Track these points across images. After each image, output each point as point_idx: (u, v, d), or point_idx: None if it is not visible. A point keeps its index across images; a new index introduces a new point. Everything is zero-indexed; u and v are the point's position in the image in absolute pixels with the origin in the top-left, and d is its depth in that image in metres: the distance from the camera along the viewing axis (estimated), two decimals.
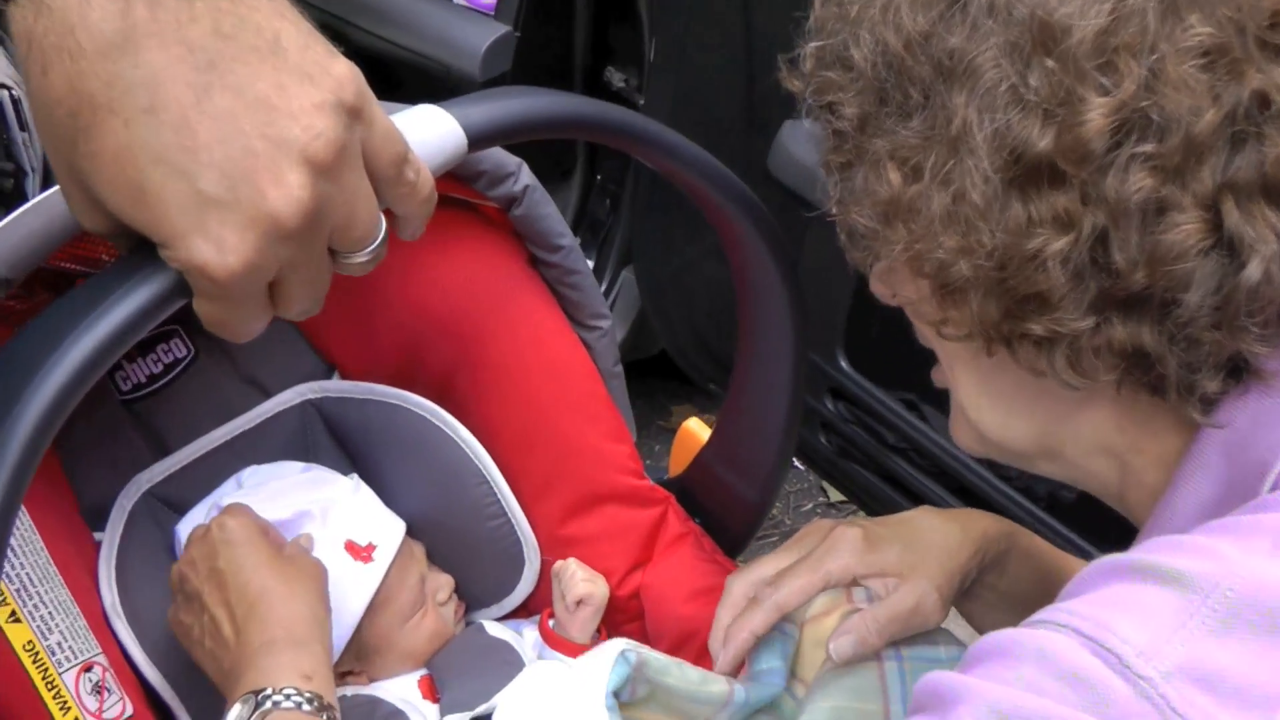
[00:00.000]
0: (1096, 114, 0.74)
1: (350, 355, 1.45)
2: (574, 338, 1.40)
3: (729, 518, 1.42)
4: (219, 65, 0.72)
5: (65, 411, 0.77)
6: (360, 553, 1.34)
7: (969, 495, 1.94)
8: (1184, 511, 0.83)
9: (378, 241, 0.82)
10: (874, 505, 2.14)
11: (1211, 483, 0.82)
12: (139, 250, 0.78)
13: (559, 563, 1.38)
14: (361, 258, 0.82)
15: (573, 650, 1.37)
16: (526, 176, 1.31)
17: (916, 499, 1.97)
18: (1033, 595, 1.15)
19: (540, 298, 1.39)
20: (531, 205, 1.32)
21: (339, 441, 1.45)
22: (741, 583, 1.16)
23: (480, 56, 2.21)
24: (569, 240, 1.36)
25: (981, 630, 1.18)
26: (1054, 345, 0.80)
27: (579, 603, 1.35)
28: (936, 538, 1.13)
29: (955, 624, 1.19)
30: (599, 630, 1.39)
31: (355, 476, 1.41)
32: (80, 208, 0.78)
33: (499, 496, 1.39)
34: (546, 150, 2.34)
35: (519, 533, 1.40)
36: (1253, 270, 0.75)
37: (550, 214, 1.34)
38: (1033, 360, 0.83)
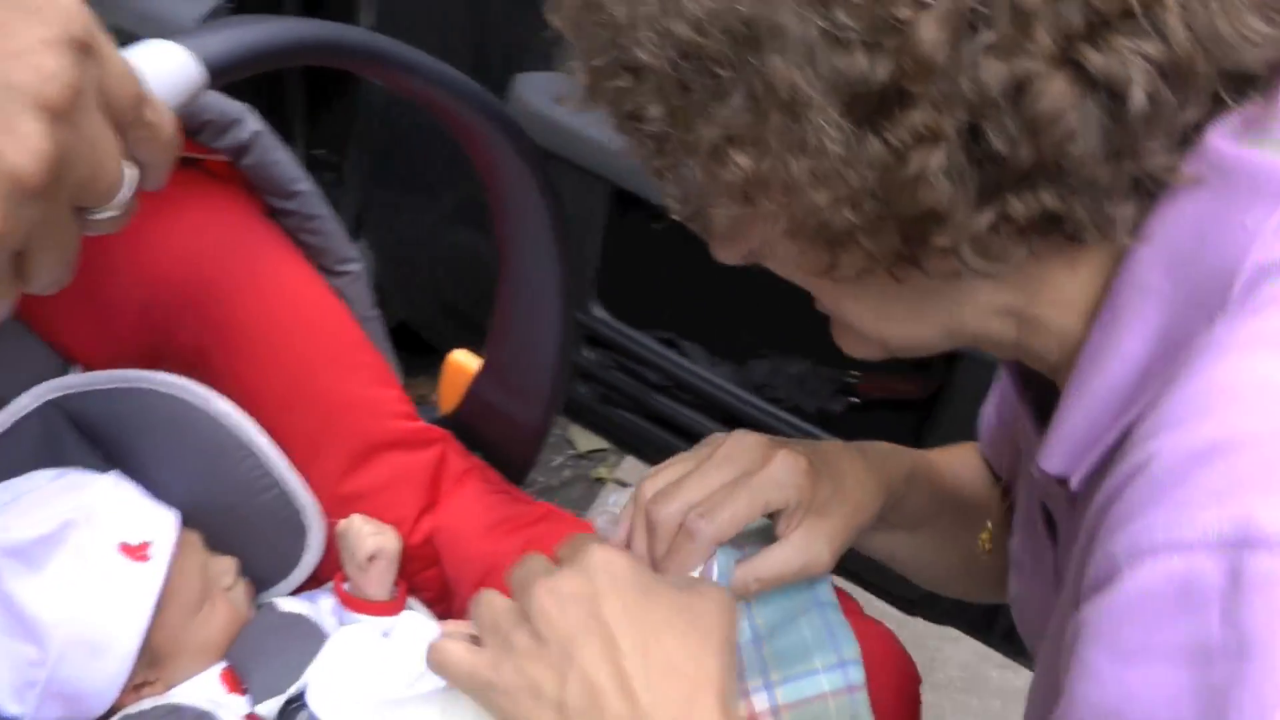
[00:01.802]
0: (929, 29, 0.72)
1: (89, 345, 1.36)
2: (324, 286, 1.34)
3: (510, 446, 1.39)
4: None
5: None
6: (135, 552, 1.26)
7: (736, 422, 1.95)
8: (1128, 352, 0.80)
9: (126, 192, 0.74)
10: (642, 448, 2.14)
11: (1157, 310, 0.79)
12: None
13: (342, 522, 1.33)
14: (111, 212, 0.74)
15: (373, 609, 1.33)
16: (254, 122, 1.25)
17: (686, 434, 1.98)
18: (923, 515, 1.14)
19: (283, 249, 1.33)
20: (262, 152, 1.26)
21: (91, 440, 1.36)
22: (667, 506, 0.99)
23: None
24: (305, 184, 1.30)
25: (867, 550, 1.15)
26: (959, 247, 0.78)
27: (371, 558, 1.31)
28: (853, 486, 1.04)
29: None
30: (396, 583, 1.35)
31: (115, 473, 1.32)
32: None
33: (269, 466, 1.33)
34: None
35: (296, 500, 1.35)
36: (1136, 99, 0.73)
37: (282, 159, 1.28)
38: (943, 267, 0.80)
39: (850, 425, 1.85)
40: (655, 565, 0.99)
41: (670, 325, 2.01)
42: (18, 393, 1.35)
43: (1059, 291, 0.84)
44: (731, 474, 1.00)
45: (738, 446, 1.02)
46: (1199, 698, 0.65)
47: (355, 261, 1.36)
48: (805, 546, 1.01)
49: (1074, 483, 0.84)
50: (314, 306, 1.34)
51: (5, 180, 0.63)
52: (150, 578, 1.25)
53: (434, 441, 1.39)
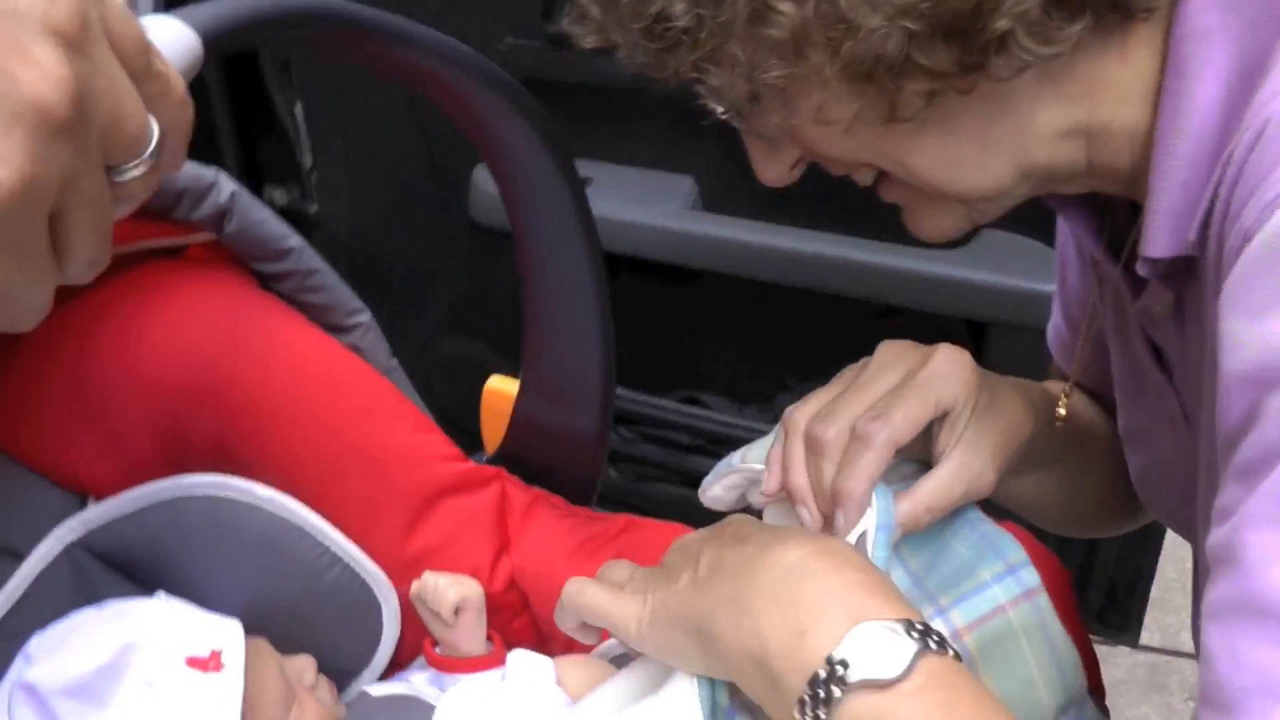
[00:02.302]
0: None
1: (101, 472, 1.26)
2: (337, 345, 1.26)
3: (570, 464, 1.30)
4: None
5: None
6: (206, 664, 1.15)
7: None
8: (1205, 99, 0.77)
9: (153, 144, 0.67)
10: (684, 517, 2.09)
11: (1223, 48, 0.76)
12: None
13: (415, 583, 1.23)
14: (139, 169, 0.67)
15: (473, 665, 1.23)
16: (229, 183, 1.18)
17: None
18: (1058, 448, 1.07)
19: (287, 317, 1.25)
20: (243, 213, 1.19)
21: (125, 573, 1.25)
22: (832, 424, 0.91)
23: None
24: (295, 239, 1.24)
25: (1005, 500, 1.08)
26: (1016, 36, 0.76)
27: (457, 611, 1.21)
28: (1007, 402, 0.97)
29: None
30: (489, 637, 1.25)
31: (161, 593, 1.21)
32: None
33: (326, 543, 1.23)
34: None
35: (363, 573, 1.25)
36: None
37: (266, 218, 1.21)
38: (1007, 66, 0.78)
39: None
40: (823, 496, 0.91)
41: (689, 384, 1.99)
42: (36, 542, 1.24)
43: (1118, 87, 0.82)
44: (893, 380, 0.93)
45: (890, 353, 0.96)
46: None
47: (363, 312, 1.28)
48: (969, 463, 0.93)
49: (1191, 241, 0.80)
50: (334, 367, 1.25)
51: (31, 113, 0.57)
52: (229, 686, 1.13)
53: (490, 480, 1.30)
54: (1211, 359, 0.78)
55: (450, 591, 1.21)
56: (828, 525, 0.90)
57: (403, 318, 2.17)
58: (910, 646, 0.71)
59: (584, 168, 1.44)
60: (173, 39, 0.80)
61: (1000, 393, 0.97)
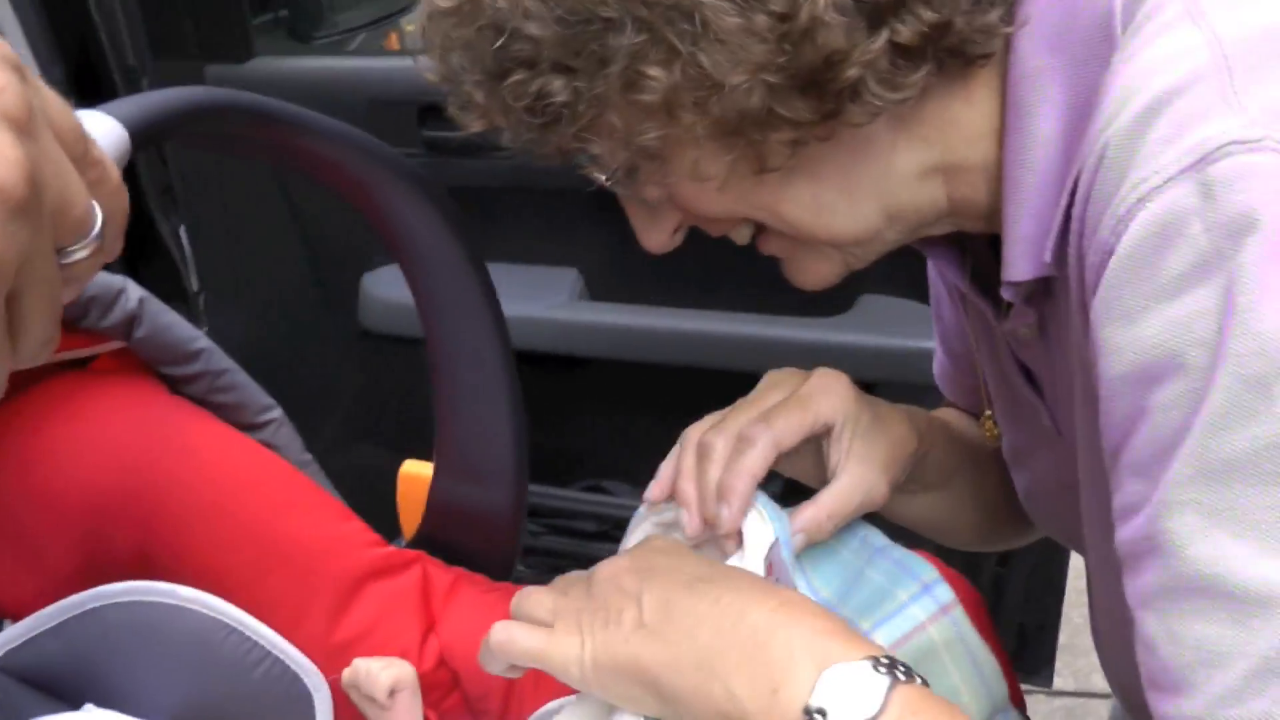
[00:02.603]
0: None
1: (19, 591, 1.25)
2: (253, 443, 1.28)
3: (488, 542, 1.33)
4: None
5: None
6: None
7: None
8: (1045, 132, 0.83)
9: (98, 226, 0.70)
10: None
11: (1056, 84, 0.83)
12: None
13: (346, 672, 1.24)
14: (84, 250, 0.70)
15: None
16: (136, 289, 1.20)
17: None
18: (949, 468, 1.13)
19: (200, 419, 1.27)
20: (153, 318, 1.21)
21: (49, 690, 1.23)
22: (719, 433, 0.98)
23: None
24: (203, 341, 1.26)
25: (898, 517, 1.12)
26: (867, 84, 0.81)
27: (391, 693, 1.22)
28: (889, 419, 1.03)
29: None
30: (426, 717, 1.26)
31: (89, 705, 1.21)
32: None
33: (255, 636, 1.23)
34: None
35: (293, 665, 1.24)
36: None
37: (174, 321, 1.24)
38: (862, 112, 0.83)
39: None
40: (709, 499, 0.96)
41: (590, 473, 2.04)
42: None
43: (966, 127, 0.88)
44: (778, 397, 1.00)
45: (776, 377, 1.03)
46: (1213, 304, 0.67)
47: (274, 409, 1.30)
48: (863, 475, 0.99)
49: (1047, 263, 0.85)
50: (249, 465, 1.27)
51: None
52: None
53: (411, 563, 1.32)
54: (1082, 372, 0.84)
55: (383, 675, 1.22)
56: (709, 528, 0.96)
57: (303, 431, 2.18)
58: (882, 682, 0.75)
59: None
60: (104, 133, 0.83)
61: (882, 411, 1.03)
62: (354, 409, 1.99)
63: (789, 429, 0.97)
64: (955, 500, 1.17)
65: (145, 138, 0.87)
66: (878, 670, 0.75)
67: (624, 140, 0.85)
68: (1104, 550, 0.85)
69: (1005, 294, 0.90)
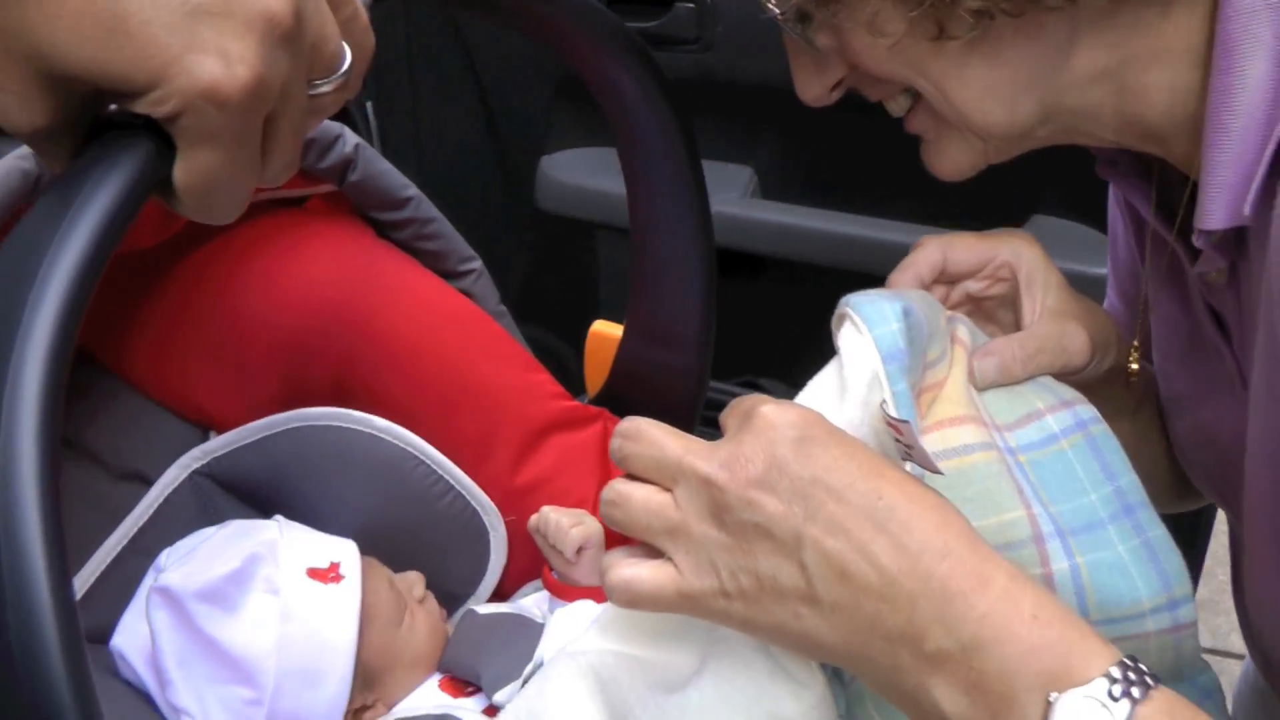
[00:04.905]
0: None
1: (225, 406, 1.34)
2: (451, 290, 1.34)
3: (670, 405, 1.37)
4: None
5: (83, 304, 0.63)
6: (326, 575, 1.22)
7: None
8: (1254, 76, 0.81)
9: (346, 64, 0.75)
10: None
11: (1269, 25, 0.80)
12: (96, 140, 0.67)
13: (535, 517, 1.28)
14: (331, 85, 0.75)
15: (589, 595, 1.28)
16: (352, 136, 1.26)
17: None
18: (1143, 401, 1.10)
19: (404, 263, 1.33)
20: (367, 164, 1.27)
21: (246, 499, 1.33)
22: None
23: None
24: (413, 190, 1.32)
25: None
26: None
27: (579, 550, 1.27)
28: (1088, 301, 1.01)
29: None
30: None
31: (279, 516, 1.29)
32: (17, 96, 0.65)
33: (441, 470, 1.30)
34: None
35: (474, 502, 1.31)
36: None
37: (387, 169, 1.30)
38: None
39: None
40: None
41: (748, 369, 2.06)
42: (163, 468, 1.31)
43: (1156, 40, 0.86)
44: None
45: None
46: None
47: (475, 260, 1.36)
48: (1061, 327, 0.97)
49: (1247, 214, 0.83)
50: (448, 309, 1.33)
51: (261, 21, 0.65)
52: (347, 596, 1.20)
53: (594, 418, 1.37)
54: (1267, 330, 0.82)
55: (573, 532, 1.25)
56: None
57: None
58: (1122, 709, 0.66)
59: None
60: None
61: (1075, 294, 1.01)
62: (525, 289, 2.05)
63: (962, 243, 0.99)
64: (1141, 440, 1.11)
65: None
66: (1112, 696, 0.66)
67: None
68: (1277, 521, 0.85)
69: (1197, 241, 0.88)
